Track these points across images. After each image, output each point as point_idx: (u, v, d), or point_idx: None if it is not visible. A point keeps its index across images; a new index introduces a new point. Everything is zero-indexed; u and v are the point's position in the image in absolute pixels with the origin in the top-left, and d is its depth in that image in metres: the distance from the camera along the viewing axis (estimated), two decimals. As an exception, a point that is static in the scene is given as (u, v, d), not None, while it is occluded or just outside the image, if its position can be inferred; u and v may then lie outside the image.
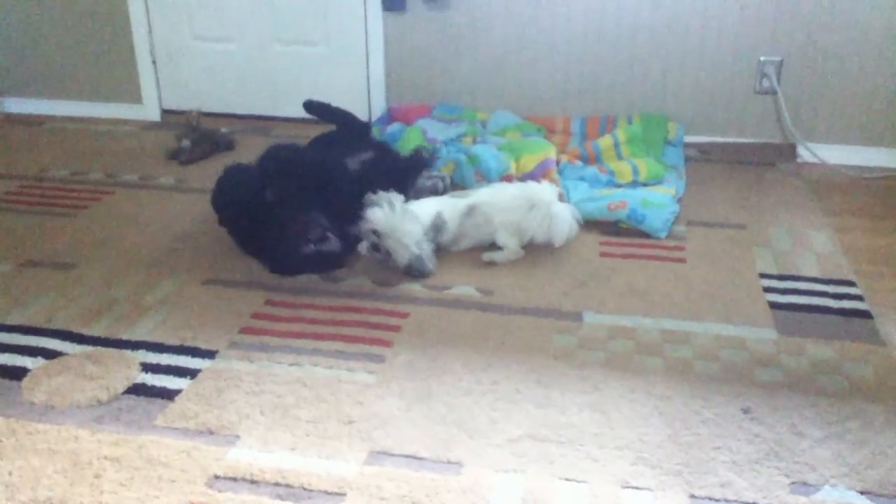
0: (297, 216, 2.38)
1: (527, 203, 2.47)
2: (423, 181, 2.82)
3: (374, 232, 2.33)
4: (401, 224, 2.32)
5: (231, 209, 2.51)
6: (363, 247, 2.39)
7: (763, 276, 2.37)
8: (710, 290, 2.29)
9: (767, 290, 2.29)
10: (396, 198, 2.39)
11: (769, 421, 1.74)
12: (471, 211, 2.49)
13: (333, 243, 2.39)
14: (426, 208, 2.47)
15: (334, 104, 3.07)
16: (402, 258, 2.33)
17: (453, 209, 2.50)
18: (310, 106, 3.05)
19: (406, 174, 2.78)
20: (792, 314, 2.16)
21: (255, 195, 2.44)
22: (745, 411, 1.77)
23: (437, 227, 2.43)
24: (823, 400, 1.81)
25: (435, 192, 2.79)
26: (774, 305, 2.21)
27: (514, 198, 2.50)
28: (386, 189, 2.45)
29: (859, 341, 2.04)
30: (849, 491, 1.55)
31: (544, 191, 2.53)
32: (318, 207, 2.41)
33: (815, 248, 2.54)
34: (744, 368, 1.93)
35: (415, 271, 2.35)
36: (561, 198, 2.60)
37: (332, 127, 3.05)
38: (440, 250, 2.48)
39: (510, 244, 2.47)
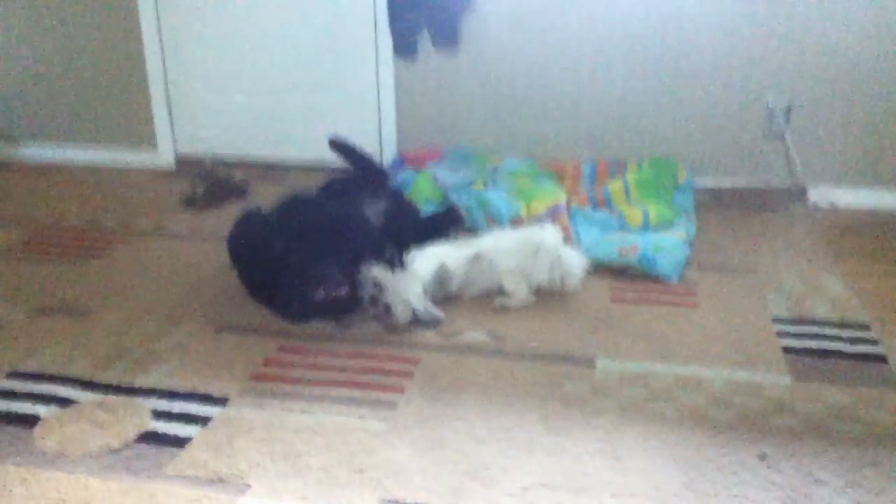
0: (308, 266, 2.39)
1: (531, 248, 2.48)
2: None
3: (375, 284, 2.32)
4: (400, 278, 2.32)
5: (244, 254, 2.53)
6: (364, 301, 2.38)
7: (776, 320, 2.35)
8: (722, 335, 2.27)
9: (781, 334, 2.27)
10: (397, 254, 2.41)
11: (786, 468, 1.72)
12: (476, 259, 2.50)
13: (342, 288, 2.39)
14: (428, 261, 2.46)
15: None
16: (402, 315, 2.32)
17: (457, 258, 2.49)
18: (334, 144, 3.06)
19: (438, 230, 2.77)
20: (806, 359, 2.15)
21: (269, 242, 2.45)
22: (762, 458, 1.75)
23: (440, 279, 2.43)
24: (840, 446, 1.79)
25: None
26: (788, 350, 2.19)
27: (518, 243, 2.51)
28: (406, 241, 2.47)
29: (875, 386, 2.02)
30: (868, 541, 1.52)
31: (549, 234, 2.53)
32: (332, 257, 2.42)
33: (827, 291, 2.53)
34: (759, 414, 1.91)
35: (420, 324, 2.34)
36: (568, 241, 2.61)
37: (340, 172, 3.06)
38: (449, 299, 2.48)
39: (519, 291, 2.46)
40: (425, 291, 2.38)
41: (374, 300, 2.34)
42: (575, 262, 2.50)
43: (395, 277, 2.33)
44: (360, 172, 3.05)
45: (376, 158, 3.14)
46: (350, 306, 2.42)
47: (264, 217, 2.57)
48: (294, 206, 2.59)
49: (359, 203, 2.73)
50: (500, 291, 2.50)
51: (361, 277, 2.36)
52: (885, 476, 1.69)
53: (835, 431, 1.84)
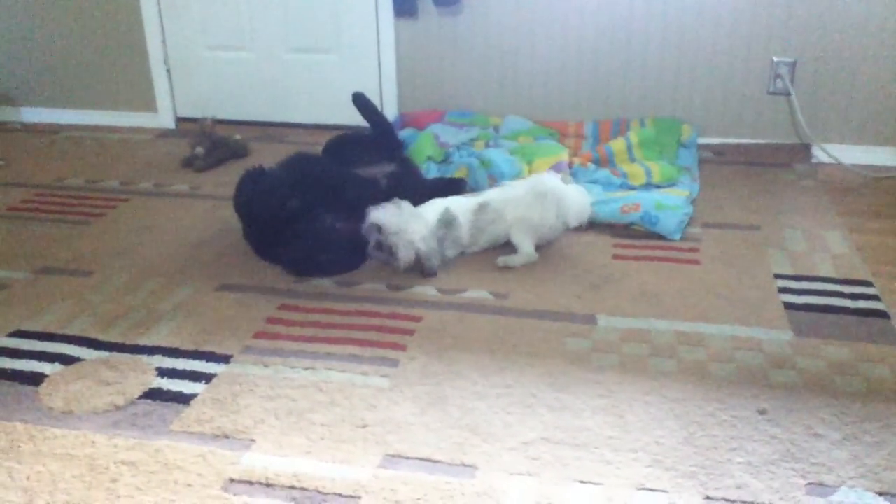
0: (315, 222, 2.40)
1: (536, 194, 2.48)
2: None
3: (378, 228, 2.33)
4: (404, 221, 2.33)
5: (251, 211, 2.52)
6: (368, 247, 2.40)
7: (778, 276, 2.35)
8: (724, 292, 2.28)
9: (783, 290, 2.28)
10: (403, 202, 2.40)
11: (785, 422, 1.73)
12: (482, 208, 2.50)
13: (350, 248, 2.41)
14: (434, 206, 2.48)
15: (347, 110, 3.05)
16: (406, 256, 2.33)
17: (464, 206, 2.50)
18: (358, 99, 3.00)
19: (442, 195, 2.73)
20: (808, 315, 2.15)
21: (277, 199, 2.45)
22: (762, 413, 1.76)
23: (446, 222, 2.43)
24: (840, 401, 1.80)
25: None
26: (790, 306, 2.19)
27: (523, 191, 2.51)
28: (410, 201, 2.47)
29: (876, 342, 2.02)
30: (866, 493, 1.53)
31: (550, 179, 2.54)
32: (337, 215, 2.43)
33: (830, 248, 2.52)
34: (759, 370, 1.92)
35: (421, 268, 2.35)
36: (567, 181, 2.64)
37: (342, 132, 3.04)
38: (460, 254, 2.49)
39: (524, 245, 2.46)
40: (432, 235, 2.38)
41: (378, 244, 2.35)
42: (579, 198, 2.50)
43: (398, 218, 2.33)
44: (376, 133, 3.00)
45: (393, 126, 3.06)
46: (355, 262, 2.44)
47: (271, 174, 2.56)
48: (300, 165, 2.58)
49: (365, 163, 2.72)
50: (506, 248, 2.50)
51: (365, 222, 2.36)
52: (884, 430, 1.70)
53: (835, 386, 1.85)
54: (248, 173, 2.58)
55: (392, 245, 2.33)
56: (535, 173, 2.79)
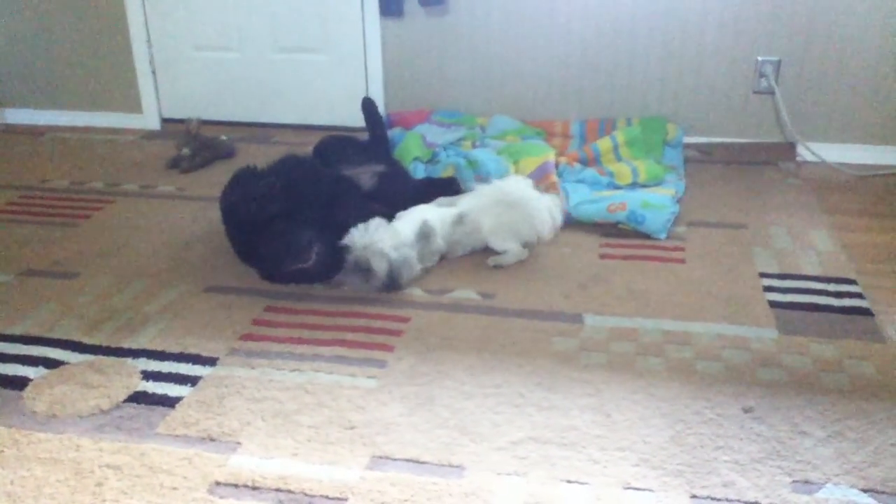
0: (287, 233, 2.35)
1: (506, 203, 2.45)
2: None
3: (348, 249, 2.28)
4: (371, 235, 2.28)
5: (233, 214, 2.50)
6: (346, 272, 2.34)
7: (763, 275, 2.37)
8: (710, 291, 2.29)
9: (768, 289, 2.29)
10: (375, 221, 2.36)
11: (771, 420, 1.74)
12: (460, 219, 2.48)
13: (313, 262, 2.34)
14: (411, 218, 2.44)
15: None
16: (379, 266, 2.26)
17: (441, 219, 2.47)
18: (367, 105, 3.08)
19: (421, 194, 2.73)
20: (793, 313, 2.16)
21: (259, 206, 2.42)
22: (747, 411, 1.77)
23: (424, 234, 2.41)
24: (825, 398, 1.81)
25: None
26: (775, 305, 2.20)
27: (494, 201, 2.47)
28: (397, 205, 2.47)
29: (860, 339, 2.03)
30: (851, 489, 1.54)
31: (518, 187, 2.49)
32: (314, 224, 2.39)
33: (815, 246, 2.54)
34: (745, 368, 1.93)
35: (392, 281, 2.28)
36: (555, 188, 2.61)
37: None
38: (442, 259, 2.48)
39: (507, 247, 2.46)
40: (408, 246, 2.34)
41: (355, 265, 2.28)
42: (546, 207, 2.45)
43: (363, 234, 2.28)
44: (370, 141, 3.02)
45: (356, 120, 3.08)
46: (323, 275, 2.39)
47: (260, 177, 2.52)
48: (288, 169, 2.56)
49: (354, 164, 2.71)
50: (490, 249, 2.50)
51: (344, 249, 2.31)
52: (869, 427, 1.71)
53: (820, 384, 1.86)
54: (238, 174, 2.56)
55: (364, 260, 2.26)
56: (504, 178, 2.69)
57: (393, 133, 3.31)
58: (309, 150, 2.90)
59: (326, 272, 2.39)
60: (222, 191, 2.55)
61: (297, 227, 2.37)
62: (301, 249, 2.32)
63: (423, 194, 2.67)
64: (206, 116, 3.74)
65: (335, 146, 2.88)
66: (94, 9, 3.79)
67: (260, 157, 2.66)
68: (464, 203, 2.53)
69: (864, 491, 1.54)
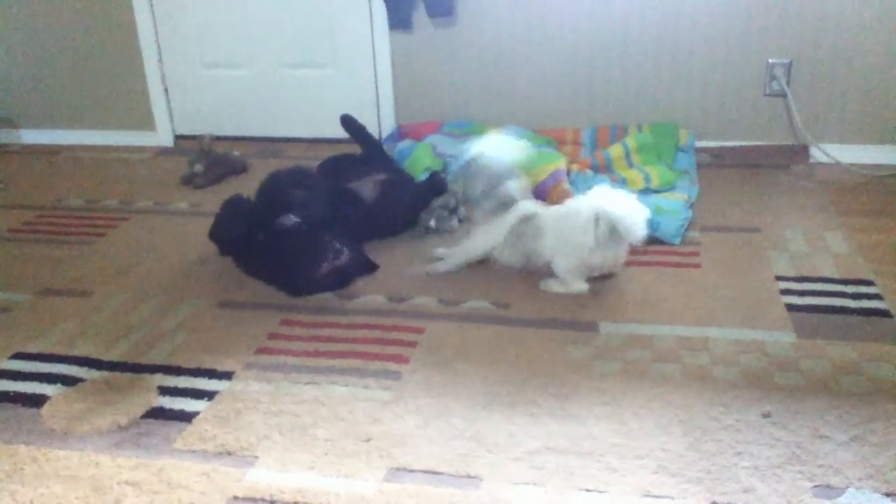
0: (310, 238, 2.41)
1: (584, 217, 2.20)
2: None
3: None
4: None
5: (234, 239, 2.53)
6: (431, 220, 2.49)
7: (779, 278, 2.35)
8: (726, 295, 2.27)
9: (784, 292, 2.27)
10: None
11: (790, 425, 1.72)
12: (526, 219, 2.32)
13: (345, 257, 2.41)
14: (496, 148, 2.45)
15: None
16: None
17: (517, 192, 2.37)
18: (346, 122, 3.09)
19: (420, 198, 2.83)
20: (810, 316, 2.14)
21: (260, 223, 2.46)
22: (766, 416, 1.76)
23: (475, 172, 2.39)
24: (845, 402, 1.79)
25: (446, 208, 2.80)
26: (792, 308, 2.19)
27: (568, 213, 2.26)
28: (400, 211, 2.53)
29: (880, 341, 2.01)
30: (873, 494, 1.52)
31: (601, 199, 2.22)
32: (332, 230, 2.46)
33: (831, 248, 2.52)
34: (763, 373, 1.91)
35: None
36: (566, 195, 2.61)
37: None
38: (487, 262, 2.47)
39: (570, 278, 2.29)
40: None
41: (452, 210, 2.38)
42: (633, 210, 2.20)
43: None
44: (366, 153, 3.06)
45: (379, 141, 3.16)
46: (353, 274, 2.45)
47: (247, 201, 2.57)
48: (276, 189, 2.59)
49: (357, 175, 2.75)
50: (537, 262, 2.34)
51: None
52: (891, 430, 1.69)
53: (839, 387, 1.84)
54: (226, 203, 2.60)
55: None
56: (537, 186, 2.69)
57: (403, 145, 3.32)
58: (316, 163, 2.95)
59: (355, 271, 2.46)
60: (213, 224, 2.60)
61: (315, 232, 2.43)
62: (332, 249, 2.39)
63: (426, 196, 2.79)
64: (218, 132, 3.76)
65: (336, 164, 2.95)
66: (107, 30, 3.83)
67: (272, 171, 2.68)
68: (542, 209, 2.37)
69: (887, 495, 1.52)
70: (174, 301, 2.41)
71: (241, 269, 2.53)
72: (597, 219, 2.19)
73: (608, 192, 2.26)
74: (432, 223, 2.73)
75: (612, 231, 2.19)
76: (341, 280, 2.43)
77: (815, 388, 1.84)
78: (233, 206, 2.57)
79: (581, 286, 2.30)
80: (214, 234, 2.61)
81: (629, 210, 2.19)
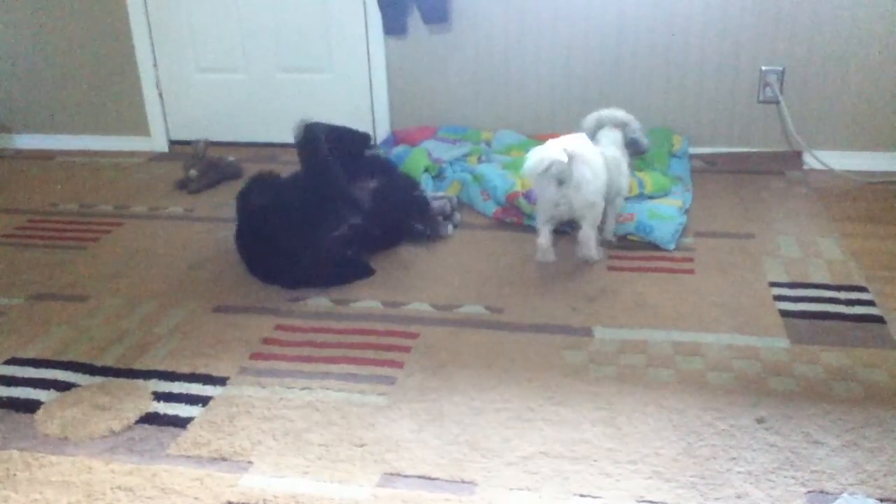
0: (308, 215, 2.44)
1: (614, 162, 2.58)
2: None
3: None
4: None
5: (253, 210, 2.53)
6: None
7: (773, 284, 2.36)
8: (720, 301, 2.28)
9: (778, 298, 2.28)
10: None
11: (784, 430, 1.73)
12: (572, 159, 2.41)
13: (348, 232, 2.48)
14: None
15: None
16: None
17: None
18: (301, 144, 2.71)
19: (410, 210, 2.81)
20: (804, 322, 2.15)
21: (280, 199, 2.49)
22: (760, 421, 1.76)
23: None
24: (838, 407, 1.80)
25: (443, 213, 2.80)
26: (786, 314, 2.19)
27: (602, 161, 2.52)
28: (394, 217, 2.61)
29: (873, 347, 2.02)
30: (867, 499, 1.53)
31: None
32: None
33: (824, 254, 2.53)
34: (757, 378, 1.92)
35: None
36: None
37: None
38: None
39: (592, 240, 2.49)
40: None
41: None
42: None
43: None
44: (340, 146, 2.83)
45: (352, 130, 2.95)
46: (347, 278, 2.48)
47: (277, 178, 2.62)
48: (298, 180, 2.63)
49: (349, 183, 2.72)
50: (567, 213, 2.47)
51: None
52: (884, 435, 1.70)
53: (833, 393, 1.85)
54: (257, 175, 2.61)
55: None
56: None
57: (399, 150, 3.32)
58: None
59: (352, 274, 2.50)
60: (240, 191, 2.59)
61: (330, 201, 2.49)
62: (333, 218, 2.45)
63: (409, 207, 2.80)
64: (213, 138, 3.76)
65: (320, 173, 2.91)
66: (102, 35, 3.83)
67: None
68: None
69: (881, 501, 1.52)
70: (168, 306, 2.40)
71: (247, 250, 2.56)
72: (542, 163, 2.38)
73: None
74: (427, 230, 2.73)
75: (546, 171, 2.39)
76: (338, 274, 2.47)
77: (809, 394, 1.85)
78: (264, 178, 2.60)
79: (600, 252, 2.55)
80: (241, 200, 2.59)
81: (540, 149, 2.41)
